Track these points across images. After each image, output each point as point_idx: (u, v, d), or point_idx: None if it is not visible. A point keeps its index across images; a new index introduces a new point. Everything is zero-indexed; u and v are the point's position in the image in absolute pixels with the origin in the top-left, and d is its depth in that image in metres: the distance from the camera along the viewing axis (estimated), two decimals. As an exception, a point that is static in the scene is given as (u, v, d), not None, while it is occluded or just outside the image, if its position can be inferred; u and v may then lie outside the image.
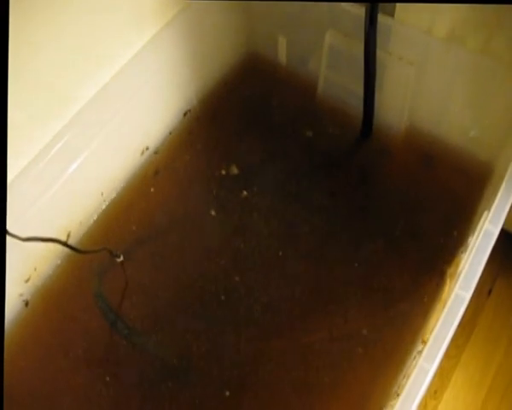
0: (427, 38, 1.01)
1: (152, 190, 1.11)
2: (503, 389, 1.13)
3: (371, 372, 0.90)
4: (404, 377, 0.80)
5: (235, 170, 1.13)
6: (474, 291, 0.76)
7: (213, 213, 1.07)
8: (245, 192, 1.10)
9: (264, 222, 1.07)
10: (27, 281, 0.96)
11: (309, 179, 1.12)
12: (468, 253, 0.81)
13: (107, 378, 0.91)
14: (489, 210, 0.81)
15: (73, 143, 0.96)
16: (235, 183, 1.11)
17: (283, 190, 1.11)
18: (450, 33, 0.98)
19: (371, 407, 0.86)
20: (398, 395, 0.75)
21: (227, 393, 0.89)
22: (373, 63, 1.01)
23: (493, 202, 0.82)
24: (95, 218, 1.06)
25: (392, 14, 1.03)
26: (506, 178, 0.83)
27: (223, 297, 0.98)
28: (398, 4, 1.00)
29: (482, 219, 0.82)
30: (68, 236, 1.00)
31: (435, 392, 1.12)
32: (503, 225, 0.80)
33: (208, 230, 1.06)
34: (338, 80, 1.16)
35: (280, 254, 1.02)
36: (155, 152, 1.15)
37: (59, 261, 1.01)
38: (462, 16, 0.95)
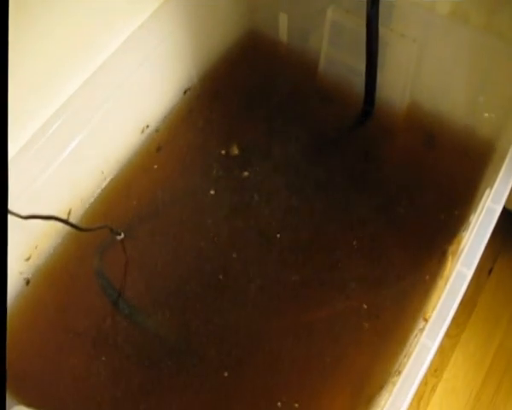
0: (430, 15, 1.01)
1: (153, 168, 1.10)
2: (503, 368, 1.13)
3: (372, 350, 0.90)
4: (406, 355, 0.80)
5: (235, 149, 1.12)
6: (475, 270, 0.76)
7: (213, 191, 1.07)
8: (245, 171, 1.09)
9: (264, 201, 1.06)
10: (28, 259, 0.96)
11: (310, 158, 1.11)
12: (469, 231, 0.81)
13: (107, 356, 0.91)
14: (491, 188, 0.81)
15: (72, 121, 0.95)
16: (236, 162, 1.11)
17: (283, 168, 1.10)
18: (453, 10, 0.98)
19: (372, 385, 0.86)
20: (399, 373, 0.75)
21: (225, 373, 0.90)
22: (375, 40, 1.01)
23: (495, 179, 0.81)
24: (95, 196, 1.06)
25: (394, -9, 1.02)
26: (508, 155, 0.83)
27: (221, 276, 0.98)
28: (400, -20, 1.00)
29: (484, 197, 0.82)
30: (69, 214, 1.00)
31: (435, 370, 1.13)
32: (505, 204, 0.80)
33: (208, 208, 1.06)
34: (340, 57, 1.15)
35: (278, 236, 1.02)
36: (156, 130, 1.14)
37: (60, 240, 1.01)
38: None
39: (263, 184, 1.08)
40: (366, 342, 0.91)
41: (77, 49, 0.93)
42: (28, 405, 0.72)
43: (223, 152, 1.12)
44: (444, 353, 1.14)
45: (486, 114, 1.04)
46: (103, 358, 0.91)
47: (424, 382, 1.09)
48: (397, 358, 0.85)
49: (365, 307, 0.94)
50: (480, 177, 1.00)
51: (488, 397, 1.11)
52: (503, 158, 0.84)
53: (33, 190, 0.91)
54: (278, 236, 1.02)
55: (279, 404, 0.87)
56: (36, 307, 0.95)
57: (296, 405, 0.87)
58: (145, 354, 0.92)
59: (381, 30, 1.00)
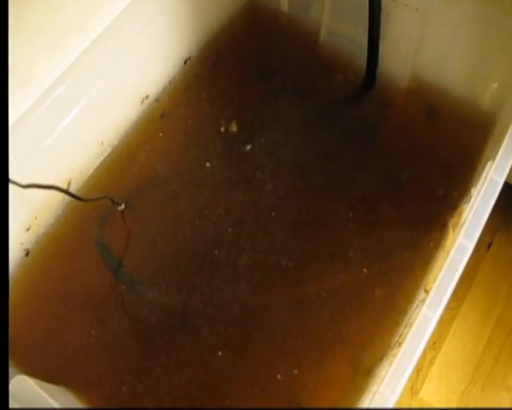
0: (433, -15, 1.00)
1: (153, 138, 1.09)
2: (501, 341, 1.14)
3: (373, 322, 0.90)
4: (406, 326, 0.80)
5: (235, 121, 1.12)
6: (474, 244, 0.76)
7: (213, 163, 1.07)
8: (246, 144, 1.09)
9: (263, 175, 1.06)
10: (28, 230, 0.96)
11: (310, 130, 1.10)
12: (471, 203, 0.81)
13: (107, 326, 0.91)
14: (493, 160, 0.81)
15: (71, 90, 0.94)
16: (236, 134, 1.10)
17: (283, 139, 1.10)
18: (456, -20, 0.97)
19: (372, 356, 0.86)
20: (399, 344, 0.75)
21: (223, 347, 0.90)
22: (377, 10, 0.99)
23: (497, 151, 0.81)
24: (95, 167, 1.05)
25: (397, -40, 1.01)
26: (511, 127, 0.83)
27: (216, 252, 0.98)
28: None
29: (486, 169, 0.82)
30: (69, 185, 1.00)
31: (434, 343, 1.13)
32: (506, 177, 0.80)
33: (207, 181, 1.05)
34: (341, 28, 1.14)
35: (276, 210, 1.02)
36: (156, 100, 1.13)
37: (60, 210, 1.00)
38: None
39: (263, 155, 1.08)
40: (366, 313, 0.91)
41: (75, 19, 0.92)
42: (29, 374, 0.73)
43: (222, 123, 1.11)
44: (442, 326, 1.15)
45: (488, 87, 1.04)
46: (103, 328, 0.91)
47: (423, 354, 1.09)
48: (397, 329, 0.85)
49: (365, 278, 0.94)
50: (481, 149, 0.99)
51: (486, 369, 1.12)
52: (505, 130, 0.83)
53: (32, 160, 0.91)
54: (276, 210, 1.02)
55: (278, 376, 0.88)
56: (36, 278, 0.95)
57: (296, 371, 0.88)
58: (142, 326, 0.92)
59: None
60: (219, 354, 0.89)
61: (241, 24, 1.23)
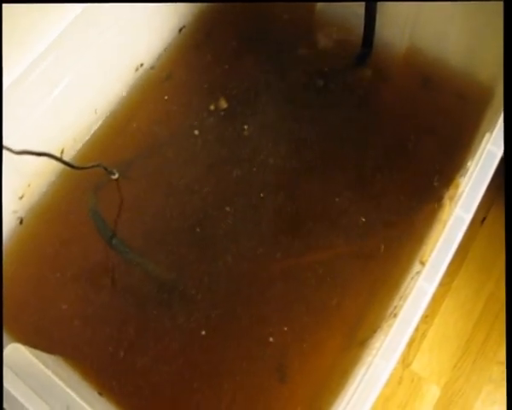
0: (433, -45, 0.98)
1: (147, 107, 1.09)
2: (493, 317, 1.14)
3: (367, 292, 0.91)
4: (401, 298, 0.80)
5: (228, 92, 1.11)
6: (469, 218, 0.76)
7: (207, 134, 1.06)
8: (238, 115, 1.08)
9: (257, 146, 1.05)
10: (21, 198, 0.95)
11: (306, 100, 1.10)
12: (468, 175, 0.81)
13: (101, 295, 0.91)
14: (491, 132, 0.80)
15: (64, 57, 0.93)
16: (228, 105, 1.09)
17: (278, 112, 1.09)
18: (456, -49, 0.96)
19: (367, 327, 0.86)
20: (394, 316, 0.75)
21: (203, 332, 0.90)
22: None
23: (495, 124, 0.81)
24: (89, 135, 1.04)
25: None
26: (509, 100, 0.82)
27: (219, 222, 0.98)
28: None
29: (484, 141, 0.81)
30: (62, 153, 0.99)
31: (426, 317, 1.14)
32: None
33: (201, 151, 1.04)
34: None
35: (265, 188, 1.01)
36: (151, 68, 1.12)
37: (53, 178, 0.99)
38: None
39: (256, 128, 1.07)
40: (361, 284, 0.92)
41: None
42: (24, 342, 0.72)
43: (216, 93, 1.10)
44: (435, 300, 1.15)
45: (486, 59, 1.03)
46: (97, 296, 0.91)
47: (415, 328, 1.10)
48: (392, 300, 0.85)
49: (361, 249, 0.94)
50: (478, 122, 0.99)
51: (477, 345, 1.12)
52: (502, 103, 0.83)
53: (25, 128, 0.90)
54: (270, 183, 1.02)
55: (271, 339, 0.88)
56: (29, 246, 0.94)
57: (288, 339, 0.88)
58: (138, 292, 0.92)
59: (382, -31, 0.98)
60: (211, 323, 0.89)
61: (237, -9, 1.22)
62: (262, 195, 0.99)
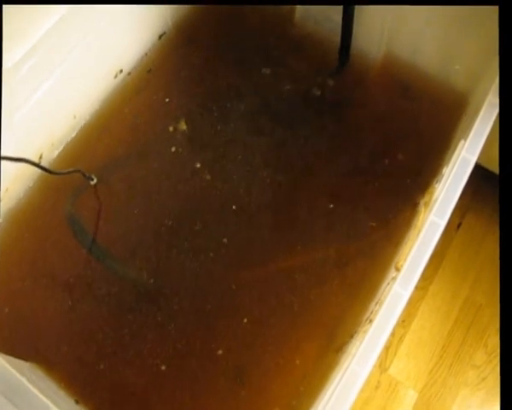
0: (409, -36, 1.00)
1: (125, 113, 1.08)
2: (469, 321, 1.16)
3: (344, 299, 0.91)
4: (377, 303, 0.81)
5: (207, 99, 1.11)
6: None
7: (185, 140, 1.06)
8: (217, 121, 1.08)
9: (237, 154, 1.05)
10: (-2, 202, 0.94)
11: (283, 108, 1.10)
12: (443, 182, 0.82)
13: (80, 301, 0.91)
14: (466, 139, 0.81)
15: (43, 64, 0.92)
16: (208, 111, 1.09)
17: (257, 118, 1.09)
18: (432, -42, 0.97)
19: (343, 334, 0.87)
20: (370, 321, 0.76)
21: (194, 324, 0.90)
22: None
23: (470, 131, 0.82)
24: (67, 140, 1.04)
25: None
26: (484, 107, 0.83)
27: (197, 226, 0.98)
28: None
29: (459, 148, 0.83)
30: (40, 158, 0.98)
31: (403, 321, 1.15)
32: (476, 158, 0.81)
33: (179, 157, 1.04)
34: (316, 6, 1.13)
35: (245, 192, 1.02)
36: (129, 74, 1.12)
37: (31, 183, 0.98)
38: None
39: (236, 133, 1.07)
40: (337, 290, 0.92)
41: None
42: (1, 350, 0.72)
43: (195, 99, 1.10)
44: (411, 305, 1.16)
45: (462, 66, 1.04)
46: (74, 303, 0.90)
47: (392, 332, 1.10)
48: (368, 306, 0.86)
49: (337, 255, 0.95)
50: (453, 129, 1.00)
51: (454, 349, 1.14)
52: (477, 110, 0.84)
53: (3, 132, 0.89)
54: (249, 189, 1.02)
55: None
56: (5, 251, 0.93)
57: (266, 346, 0.88)
58: (116, 298, 0.91)
59: (360, -23, 0.99)
60: (189, 328, 0.89)
61: (216, -1, 1.22)
62: (234, 207, 0.99)
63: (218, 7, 1.20)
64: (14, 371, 0.68)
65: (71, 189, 0.98)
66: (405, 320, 1.15)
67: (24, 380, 0.68)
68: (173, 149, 1.05)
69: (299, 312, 0.91)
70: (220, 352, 0.88)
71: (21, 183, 0.97)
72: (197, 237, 0.97)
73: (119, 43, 1.08)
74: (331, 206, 0.99)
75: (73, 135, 1.05)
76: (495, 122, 0.83)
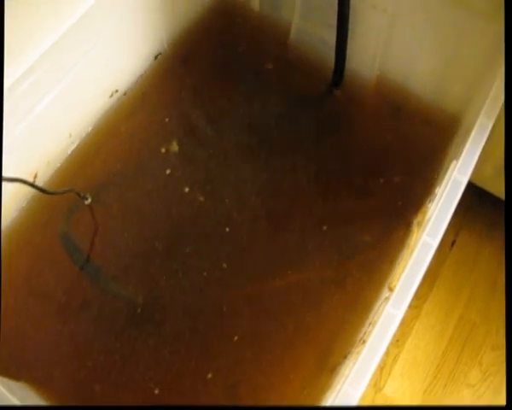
0: (401, -13, 1.01)
1: (121, 132, 1.09)
2: (462, 341, 1.16)
3: (337, 319, 0.91)
4: (371, 324, 0.81)
5: (203, 119, 1.11)
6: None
7: (179, 160, 1.06)
8: (213, 141, 1.09)
9: (230, 174, 1.06)
10: (-9, 222, 0.94)
11: (277, 129, 1.11)
12: (435, 202, 0.82)
13: (74, 321, 0.90)
14: (457, 160, 0.82)
15: (40, 83, 0.93)
16: (203, 131, 1.10)
17: (251, 139, 1.10)
18: (424, -18, 0.98)
19: (337, 354, 0.87)
20: (363, 342, 0.76)
21: (185, 344, 0.90)
22: (347, 11, 1.00)
23: (461, 151, 0.82)
24: (62, 159, 1.04)
25: (366, -38, 1.02)
26: (475, 128, 0.84)
27: (188, 249, 0.98)
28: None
29: (450, 169, 0.83)
30: (35, 177, 0.98)
31: (397, 340, 1.15)
32: (469, 177, 0.81)
33: (174, 177, 1.05)
34: (311, 27, 1.14)
35: (237, 213, 1.02)
36: (125, 94, 1.12)
37: (25, 202, 0.98)
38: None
39: (228, 155, 1.08)
40: (331, 311, 0.92)
41: (45, 11, 0.91)
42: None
43: (191, 119, 1.11)
44: (405, 324, 1.16)
45: (454, 88, 1.05)
46: (67, 323, 0.90)
47: (386, 352, 1.10)
48: (362, 327, 0.86)
49: (330, 275, 0.95)
50: (446, 149, 1.01)
51: (449, 368, 1.14)
52: (469, 131, 0.85)
53: (-2, 151, 0.89)
54: (240, 210, 1.02)
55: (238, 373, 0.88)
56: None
57: (259, 368, 0.88)
58: (109, 318, 0.91)
59: (353, 1, 1.00)
60: (181, 349, 0.89)
61: (213, 21, 1.23)
62: (227, 229, 0.99)
63: (214, 28, 1.22)
64: (4, 391, 0.68)
65: (65, 207, 0.98)
66: (399, 340, 1.15)
67: (15, 400, 0.67)
68: (168, 170, 1.05)
69: (293, 332, 0.91)
70: (210, 375, 0.88)
71: (16, 201, 0.98)
72: (190, 258, 0.97)
73: (115, 63, 1.09)
74: (324, 228, 0.99)
75: (68, 154, 1.05)
76: (486, 142, 0.84)
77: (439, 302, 1.19)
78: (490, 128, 0.84)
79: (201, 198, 1.02)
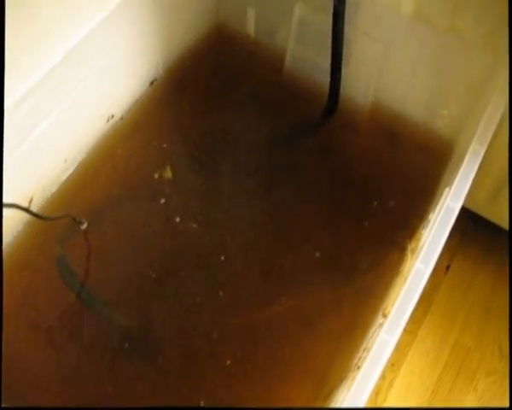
0: (394, 16, 1.02)
1: (117, 157, 1.09)
2: (458, 366, 1.15)
3: (332, 345, 0.91)
4: (365, 349, 0.81)
5: (198, 145, 1.12)
6: (433, 267, 0.77)
7: (173, 186, 1.07)
8: (208, 170, 1.09)
9: (224, 200, 1.07)
10: (-14, 247, 0.94)
11: (272, 154, 1.12)
12: (429, 229, 0.83)
13: (68, 347, 0.90)
14: (450, 187, 0.83)
15: (36, 109, 0.93)
16: (198, 158, 1.11)
17: (246, 165, 1.11)
18: (417, 11, 0.99)
19: (332, 380, 0.87)
20: (358, 368, 0.76)
21: (179, 372, 0.89)
22: (341, 36, 1.01)
23: (454, 178, 0.83)
24: (58, 184, 1.04)
25: (360, -10, 1.04)
26: (467, 155, 0.85)
27: (183, 273, 0.98)
28: (367, -20, 1.01)
29: (443, 196, 0.84)
30: (30, 201, 0.99)
31: (393, 365, 1.14)
32: (463, 202, 0.82)
33: (168, 202, 1.05)
34: (306, 54, 1.16)
35: (232, 240, 1.02)
36: (121, 119, 1.13)
37: (20, 227, 0.98)
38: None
39: (226, 179, 1.09)
40: (326, 337, 0.92)
41: (40, 39, 0.92)
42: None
43: (186, 146, 1.12)
44: (400, 349, 1.16)
45: (447, 114, 1.06)
46: (61, 348, 0.90)
47: (382, 376, 1.10)
48: (356, 353, 0.86)
49: (325, 302, 0.95)
50: (440, 176, 1.02)
51: (443, 394, 1.13)
52: (462, 157, 0.86)
53: (-6, 177, 0.90)
54: (236, 236, 1.02)
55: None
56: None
57: (254, 394, 0.88)
58: (103, 344, 0.91)
59: (347, 28, 1.01)
60: (175, 379, 0.89)
61: (208, 46, 1.25)
62: (223, 258, 0.99)
63: (209, 54, 1.23)
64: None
65: (61, 232, 0.98)
66: (395, 364, 1.15)
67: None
68: (162, 197, 1.05)
69: (288, 358, 0.91)
70: (203, 403, 0.87)
71: (11, 226, 0.98)
72: (184, 285, 0.97)
73: (112, 89, 1.09)
74: (318, 254, 0.99)
75: (64, 178, 1.05)
76: (480, 168, 0.85)
77: (433, 328, 1.19)
78: (482, 155, 0.85)
79: (195, 225, 1.02)
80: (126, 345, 0.91)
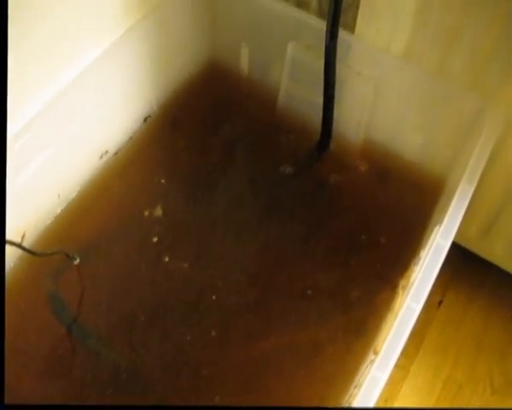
0: (386, 56, 1.04)
1: (110, 194, 1.09)
2: (449, 401, 1.15)
3: (322, 383, 0.91)
4: (356, 386, 0.81)
5: (191, 183, 1.13)
6: (425, 302, 0.78)
7: (167, 222, 1.07)
8: (201, 205, 1.10)
9: (216, 240, 1.07)
10: (-22, 283, 0.94)
11: (263, 193, 1.13)
12: (419, 266, 0.83)
13: (60, 383, 0.90)
14: (440, 224, 0.84)
15: (30, 145, 0.94)
16: (190, 196, 1.11)
17: (239, 203, 1.12)
18: (407, 52, 1.01)
19: (323, 417, 0.87)
20: (349, 405, 0.76)
21: None
22: (333, 77, 1.03)
23: (444, 216, 0.84)
24: (51, 219, 1.04)
25: (352, 31, 1.05)
26: (457, 192, 0.86)
27: (179, 311, 0.98)
28: (358, 21, 1.03)
29: (433, 233, 0.85)
30: (23, 237, 0.99)
31: (386, 400, 1.14)
32: (455, 238, 0.83)
33: (161, 240, 1.06)
34: (299, 92, 1.17)
35: (226, 276, 1.02)
36: (115, 154, 1.14)
37: (12, 263, 0.98)
38: (419, 35, 0.98)
39: (216, 219, 1.09)
40: (316, 374, 0.92)
41: (34, 76, 0.93)
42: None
43: (178, 183, 1.13)
44: (393, 384, 1.16)
45: (438, 152, 1.08)
46: (53, 385, 0.89)
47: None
48: (347, 389, 0.86)
49: (316, 338, 0.95)
50: (431, 212, 1.02)
51: (436, 432, 1.13)
52: (452, 195, 0.87)
53: (-14, 213, 0.90)
54: (229, 269, 1.03)
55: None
56: (-14, 333, 0.93)
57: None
58: (96, 380, 0.90)
59: (339, 67, 1.03)
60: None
61: (202, 83, 1.26)
62: (214, 297, 0.99)
63: (203, 91, 1.25)
64: None
65: (53, 267, 0.98)
66: (388, 400, 1.14)
67: None
68: (154, 236, 1.05)
69: (277, 394, 0.90)
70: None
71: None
72: (175, 324, 0.96)
73: (106, 125, 1.10)
74: (310, 292, 0.99)
75: (57, 214, 1.05)
76: (471, 204, 0.86)
77: (426, 363, 1.19)
78: (471, 193, 0.86)
79: (186, 265, 1.02)
80: (116, 383, 0.90)
